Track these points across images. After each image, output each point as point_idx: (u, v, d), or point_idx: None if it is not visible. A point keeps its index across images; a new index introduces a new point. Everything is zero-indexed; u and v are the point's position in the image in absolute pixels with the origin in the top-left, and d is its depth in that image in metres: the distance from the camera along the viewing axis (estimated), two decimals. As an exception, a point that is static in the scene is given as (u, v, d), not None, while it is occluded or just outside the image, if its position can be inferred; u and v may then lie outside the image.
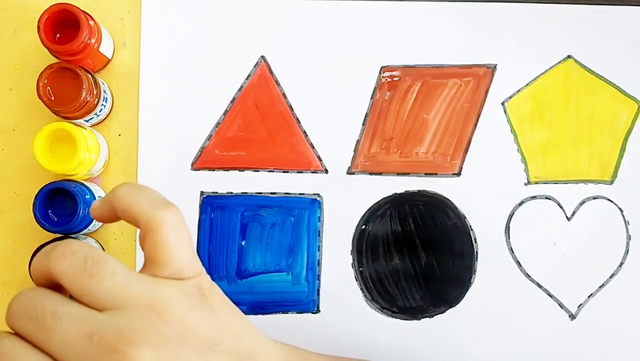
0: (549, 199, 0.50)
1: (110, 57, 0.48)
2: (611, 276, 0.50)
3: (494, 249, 0.49)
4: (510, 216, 0.49)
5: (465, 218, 0.49)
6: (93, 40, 0.44)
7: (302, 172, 0.49)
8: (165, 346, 0.24)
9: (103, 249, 0.48)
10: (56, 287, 0.26)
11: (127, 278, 0.25)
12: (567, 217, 0.50)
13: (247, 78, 0.49)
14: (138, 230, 0.28)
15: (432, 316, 0.49)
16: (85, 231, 0.46)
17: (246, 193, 0.49)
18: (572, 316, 0.50)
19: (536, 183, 0.50)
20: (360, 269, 0.49)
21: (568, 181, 0.50)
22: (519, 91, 0.50)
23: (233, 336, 0.28)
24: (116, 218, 0.29)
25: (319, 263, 0.49)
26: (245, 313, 0.48)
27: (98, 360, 0.23)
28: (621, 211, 0.50)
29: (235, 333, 0.28)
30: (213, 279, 0.30)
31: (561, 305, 0.49)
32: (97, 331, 0.23)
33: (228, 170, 0.49)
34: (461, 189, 0.49)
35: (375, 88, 0.49)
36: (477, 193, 0.49)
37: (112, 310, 0.24)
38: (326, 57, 0.49)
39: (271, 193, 0.49)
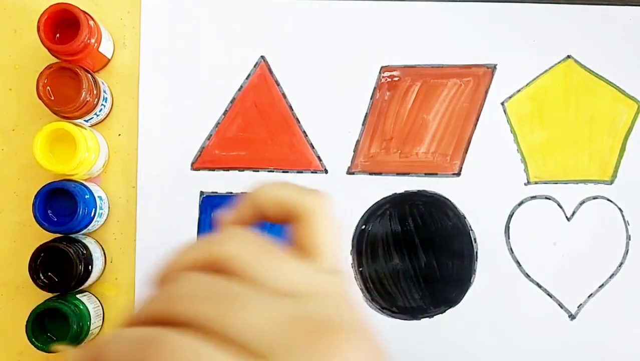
0: (549, 199, 0.50)
1: (110, 57, 0.48)
2: (611, 276, 0.50)
3: (493, 249, 0.49)
4: (510, 216, 0.49)
5: (465, 218, 0.49)
6: (93, 40, 0.44)
7: (302, 172, 0.49)
8: (358, 332, 0.24)
9: (103, 250, 0.48)
10: None
11: (298, 265, 0.24)
12: (567, 217, 0.50)
13: (247, 78, 0.49)
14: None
15: (432, 316, 0.49)
16: (84, 231, 0.46)
17: (246, 193, 0.49)
18: (572, 316, 0.50)
19: (536, 183, 0.50)
20: (360, 269, 0.49)
21: (568, 181, 0.50)
22: (518, 91, 0.50)
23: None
24: (258, 219, 0.27)
25: (318, 263, 0.49)
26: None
27: (306, 345, 0.21)
28: (621, 211, 0.50)
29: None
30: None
31: (561, 305, 0.49)
32: (295, 316, 0.21)
33: (228, 170, 0.49)
34: (461, 189, 0.49)
35: (375, 88, 0.49)
36: (477, 193, 0.49)
37: (296, 297, 0.22)
38: (326, 57, 0.49)
39: (271, 193, 0.49)
